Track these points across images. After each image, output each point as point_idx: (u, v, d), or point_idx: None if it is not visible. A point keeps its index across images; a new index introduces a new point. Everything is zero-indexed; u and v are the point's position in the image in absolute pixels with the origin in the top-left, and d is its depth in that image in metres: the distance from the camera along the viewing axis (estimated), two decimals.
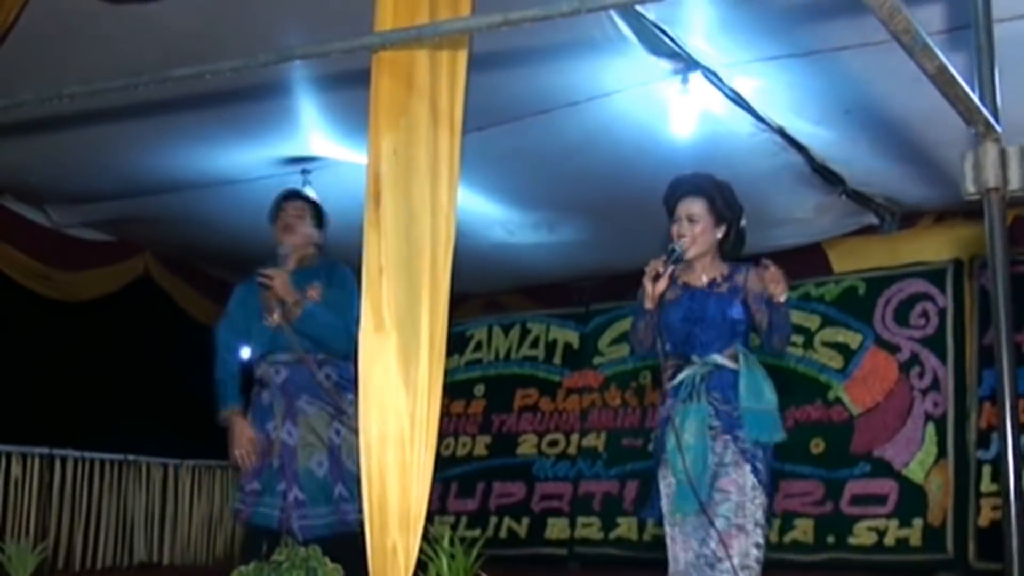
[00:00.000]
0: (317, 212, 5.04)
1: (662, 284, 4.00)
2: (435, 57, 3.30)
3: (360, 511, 4.85)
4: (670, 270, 4.02)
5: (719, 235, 4.13)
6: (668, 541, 4.01)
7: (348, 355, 4.73)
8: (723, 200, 4.14)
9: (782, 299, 3.93)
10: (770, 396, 4.01)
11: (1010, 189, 2.31)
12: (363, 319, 3.09)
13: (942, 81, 1.99)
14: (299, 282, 4.81)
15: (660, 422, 4.15)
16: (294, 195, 5.15)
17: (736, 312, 4.11)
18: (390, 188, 3.14)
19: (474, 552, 3.41)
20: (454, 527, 8.59)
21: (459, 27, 3.09)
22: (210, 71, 3.46)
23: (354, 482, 4.39)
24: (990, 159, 2.29)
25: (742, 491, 3.91)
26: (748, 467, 3.92)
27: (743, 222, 4.21)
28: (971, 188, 2.33)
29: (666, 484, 4.05)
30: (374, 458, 3.02)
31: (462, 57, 3.38)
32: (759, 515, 3.91)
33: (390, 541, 3.00)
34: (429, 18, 3.29)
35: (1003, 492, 2.29)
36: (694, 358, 4.08)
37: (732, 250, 4.20)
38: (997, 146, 2.30)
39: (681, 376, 4.07)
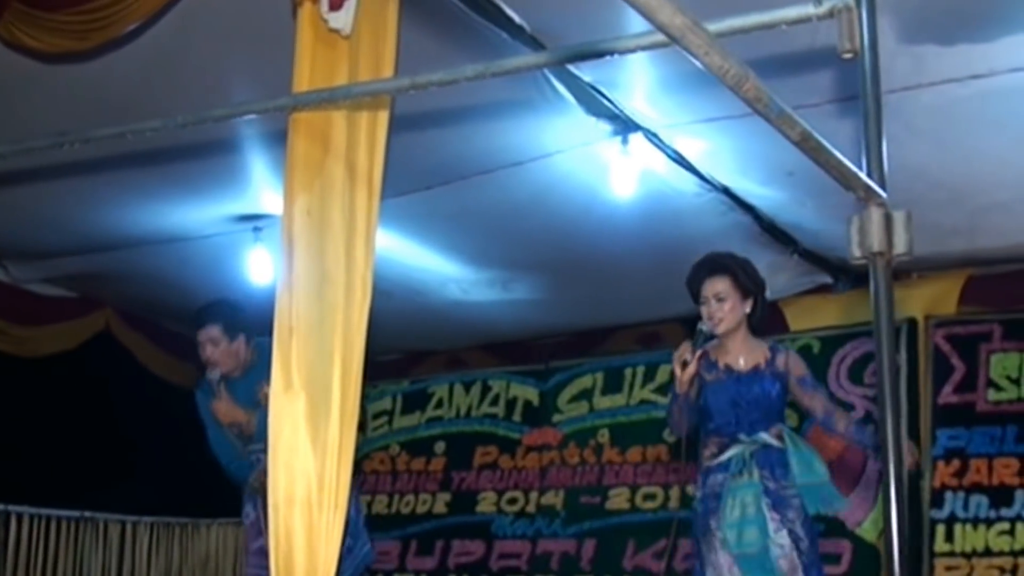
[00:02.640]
0: (230, 319, 5.06)
1: (692, 369, 4.25)
2: (353, 118, 3.33)
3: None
4: (699, 353, 4.28)
5: (747, 309, 4.35)
6: None
7: None
8: (746, 274, 4.36)
9: None
10: (820, 469, 4.25)
11: (895, 253, 2.33)
12: (273, 379, 3.09)
13: (808, 148, 2.02)
14: (249, 389, 4.88)
15: (704, 498, 4.35)
16: (202, 320, 5.13)
17: (778, 394, 4.37)
18: (303, 249, 3.17)
19: None
20: None
21: (370, 90, 3.14)
22: (131, 131, 3.50)
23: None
24: (874, 224, 2.32)
25: (794, 571, 4.12)
26: (795, 551, 4.14)
27: (768, 293, 4.48)
28: (857, 252, 2.35)
29: (719, 558, 4.23)
30: (281, 520, 3.01)
31: (383, 117, 3.41)
32: None
33: None
34: (348, 80, 3.33)
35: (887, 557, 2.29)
36: (741, 436, 4.30)
37: (759, 321, 4.44)
38: (881, 211, 2.32)
39: (730, 453, 4.29)
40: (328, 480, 3.04)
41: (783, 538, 4.14)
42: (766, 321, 4.52)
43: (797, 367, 4.39)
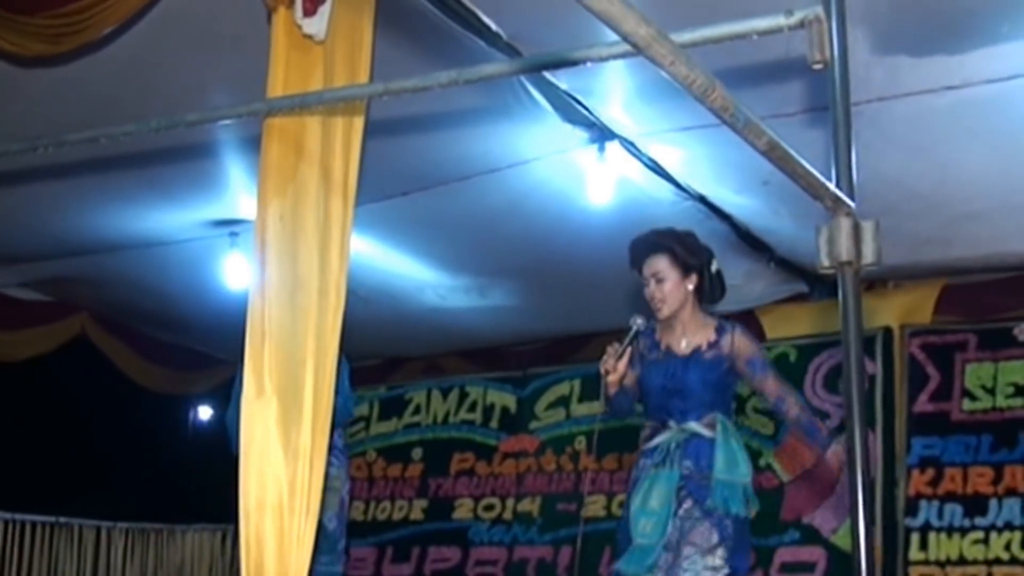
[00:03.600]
0: None
1: (621, 368, 4.06)
2: (328, 123, 3.33)
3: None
4: (627, 354, 4.08)
5: (691, 286, 4.15)
6: None
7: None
8: (685, 250, 4.16)
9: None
10: (744, 468, 4.05)
11: (864, 263, 2.34)
12: (245, 385, 3.09)
13: (776, 157, 2.02)
14: None
15: (632, 480, 4.21)
16: None
17: (718, 380, 4.13)
18: (275, 254, 3.16)
19: None
20: None
21: (343, 95, 3.14)
22: (104, 135, 3.49)
23: None
24: (843, 233, 2.32)
25: (709, 547, 3.98)
26: (714, 528, 3.99)
27: (715, 266, 4.21)
28: (825, 262, 2.36)
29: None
30: (252, 525, 3.01)
31: (358, 123, 3.42)
32: None
33: None
34: (323, 84, 3.33)
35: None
36: (671, 424, 4.12)
37: (711, 296, 4.24)
38: (850, 220, 2.33)
39: (657, 440, 4.12)
40: (300, 486, 3.04)
41: (698, 514, 4.01)
42: (719, 293, 4.31)
43: (745, 348, 4.14)
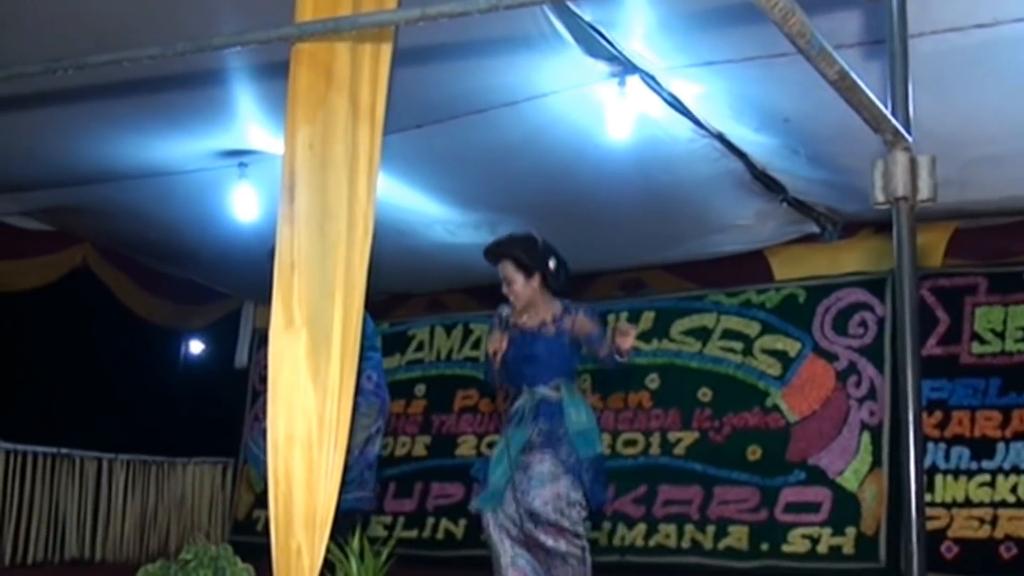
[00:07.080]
0: None
1: (504, 346, 4.86)
2: (357, 50, 3.24)
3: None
4: (505, 337, 4.86)
5: (535, 284, 4.87)
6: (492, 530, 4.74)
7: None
8: (526, 255, 4.87)
9: (623, 359, 4.71)
10: (588, 417, 4.84)
11: (920, 199, 2.29)
12: (273, 316, 3.03)
13: (844, 87, 1.96)
14: None
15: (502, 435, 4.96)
16: None
17: (560, 350, 4.86)
18: (305, 183, 3.08)
19: (384, 554, 3.39)
20: (391, 528, 8.53)
21: (377, 20, 3.03)
22: (127, 58, 3.38)
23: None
24: (900, 168, 2.27)
25: (559, 499, 4.60)
26: (569, 479, 4.65)
27: (552, 264, 4.90)
28: (880, 197, 2.30)
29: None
30: (280, 458, 2.96)
31: (386, 51, 3.33)
32: (579, 525, 4.64)
33: (295, 542, 2.94)
34: (351, 10, 3.24)
35: (905, 500, 2.27)
36: (524, 388, 4.87)
37: (556, 284, 4.93)
38: (907, 155, 2.27)
39: (517, 404, 4.87)
40: (329, 419, 2.98)
41: (550, 469, 4.64)
42: (567, 284, 4.98)
43: (585, 326, 4.85)
